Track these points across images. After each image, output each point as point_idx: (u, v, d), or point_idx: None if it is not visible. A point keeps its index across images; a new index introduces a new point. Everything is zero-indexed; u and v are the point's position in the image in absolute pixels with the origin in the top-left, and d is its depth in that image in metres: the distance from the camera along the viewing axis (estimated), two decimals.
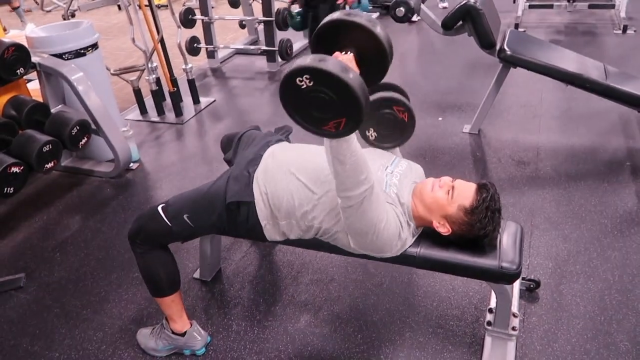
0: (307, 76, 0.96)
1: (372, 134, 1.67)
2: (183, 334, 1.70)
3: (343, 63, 1.00)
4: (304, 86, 0.97)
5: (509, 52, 2.69)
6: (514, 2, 5.13)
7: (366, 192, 1.26)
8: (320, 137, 1.17)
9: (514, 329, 1.61)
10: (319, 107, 1.00)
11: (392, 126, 1.61)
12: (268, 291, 1.99)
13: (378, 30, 1.11)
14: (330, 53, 1.11)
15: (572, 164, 2.66)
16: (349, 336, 1.76)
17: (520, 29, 4.67)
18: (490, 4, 2.88)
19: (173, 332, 1.70)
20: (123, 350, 1.78)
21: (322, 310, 1.88)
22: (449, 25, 2.78)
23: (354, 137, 1.18)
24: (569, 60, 2.85)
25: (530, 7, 5.10)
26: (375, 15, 5.83)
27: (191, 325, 1.72)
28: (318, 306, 1.90)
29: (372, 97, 1.52)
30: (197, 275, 2.08)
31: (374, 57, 1.13)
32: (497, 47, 2.74)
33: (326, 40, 1.12)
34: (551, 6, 5.10)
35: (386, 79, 1.41)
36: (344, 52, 1.17)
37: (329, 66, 0.96)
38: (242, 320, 1.86)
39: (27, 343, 1.84)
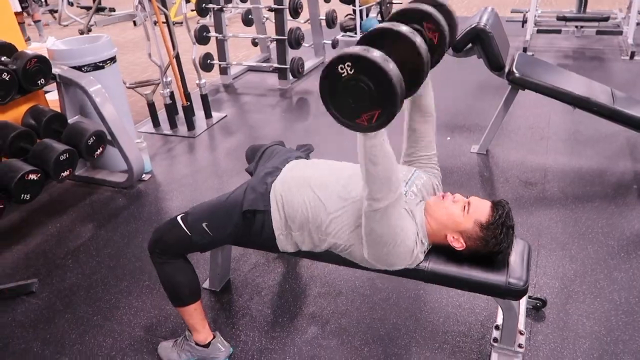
0: (349, 63, 1.00)
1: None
2: (207, 345, 1.71)
3: (385, 55, 1.03)
4: (345, 74, 1.01)
5: (517, 75, 2.74)
6: (523, 26, 5.21)
7: (394, 197, 1.28)
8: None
9: (520, 346, 1.62)
10: (355, 98, 1.03)
11: None
12: (276, 302, 2.02)
13: (418, 41, 1.13)
14: None
15: (579, 186, 2.69)
16: (356, 349, 1.78)
17: (529, 53, 4.73)
18: (500, 28, 2.94)
19: (197, 344, 1.71)
20: (132, 357, 1.80)
21: (330, 323, 1.90)
22: (459, 47, 2.83)
23: (386, 139, 1.20)
24: (576, 83, 2.89)
25: (539, 31, 5.18)
26: None
27: (214, 336, 1.73)
28: (325, 319, 1.91)
29: (402, 6, 1.40)
30: (206, 285, 2.10)
31: (412, 68, 1.15)
32: (506, 70, 2.79)
33: (372, 45, 1.13)
34: (559, 31, 5.17)
35: None
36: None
37: (372, 54, 1.00)
38: (249, 331, 1.88)
39: (38, 347, 1.86)
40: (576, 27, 5.27)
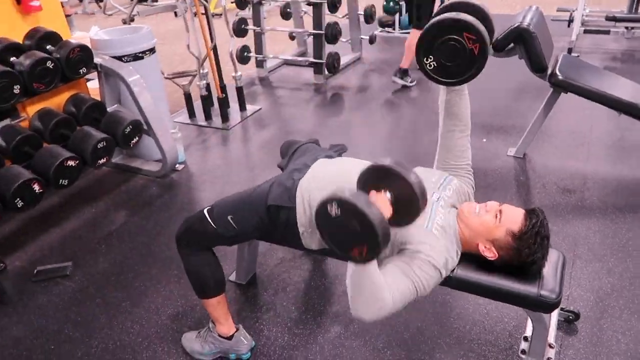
0: (336, 204, 1.10)
1: (431, 62, 1.43)
2: (230, 338, 1.73)
3: (369, 199, 1.12)
4: (333, 213, 1.11)
5: (560, 77, 2.64)
6: (569, 26, 5.02)
7: (385, 308, 1.26)
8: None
9: (549, 359, 1.57)
10: (345, 234, 1.13)
11: (457, 57, 1.37)
12: (301, 299, 2.02)
13: (413, 180, 1.19)
14: (368, 191, 1.25)
15: (621, 196, 2.57)
16: (378, 351, 1.76)
17: (574, 54, 4.55)
18: (544, 27, 2.84)
19: (220, 335, 1.73)
20: (157, 344, 1.84)
21: (353, 323, 1.88)
22: (500, 47, 2.75)
23: (377, 271, 1.24)
24: (623, 88, 2.76)
25: (586, 32, 4.97)
26: None
27: (238, 329, 1.75)
28: (349, 319, 1.90)
29: (440, 17, 1.39)
30: (232, 277, 2.13)
31: (407, 203, 1.22)
32: (549, 72, 2.69)
33: (370, 178, 1.26)
34: (608, 32, 4.95)
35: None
36: (383, 191, 1.25)
37: (354, 199, 1.09)
38: (273, 326, 1.89)
39: (69, 329, 1.93)
40: (626, 28, 5.03)
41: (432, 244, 1.36)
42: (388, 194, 1.24)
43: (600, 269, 2.08)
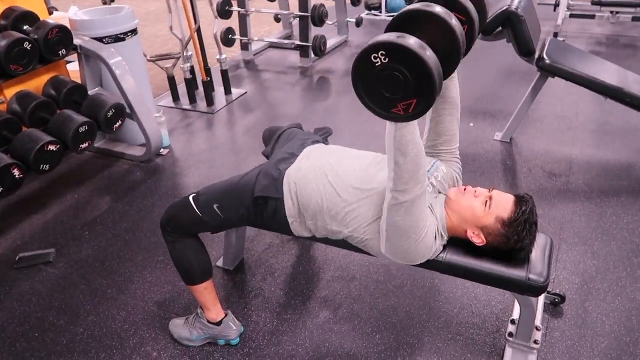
0: (383, 52, 0.95)
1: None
2: (218, 323, 1.71)
3: (420, 41, 0.98)
4: (379, 63, 0.96)
5: (548, 61, 2.63)
6: (554, 10, 5.02)
7: (420, 190, 1.23)
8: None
9: (535, 342, 1.59)
10: (391, 87, 0.99)
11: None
12: (289, 284, 2.01)
13: (454, 23, 1.06)
14: None
15: (605, 179, 2.60)
16: (367, 336, 1.76)
17: (560, 38, 4.56)
18: (532, 11, 2.82)
19: (208, 321, 1.71)
20: (144, 331, 1.81)
21: (342, 307, 1.88)
22: (488, 30, 2.73)
23: (417, 128, 1.16)
24: (609, 72, 2.78)
25: (571, 16, 4.98)
26: None
27: (226, 314, 1.74)
28: (338, 303, 1.90)
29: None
30: (220, 263, 2.10)
31: (446, 52, 1.08)
32: (536, 56, 2.69)
33: (403, 26, 1.08)
34: (593, 16, 4.96)
35: None
36: None
37: (407, 42, 0.94)
38: (261, 312, 1.88)
39: (53, 316, 1.89)
40: (611, 12, 5.05)
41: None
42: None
43: (585, 252, 2.10)
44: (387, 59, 0.96)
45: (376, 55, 0.96)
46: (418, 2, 1.17)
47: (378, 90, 1.02)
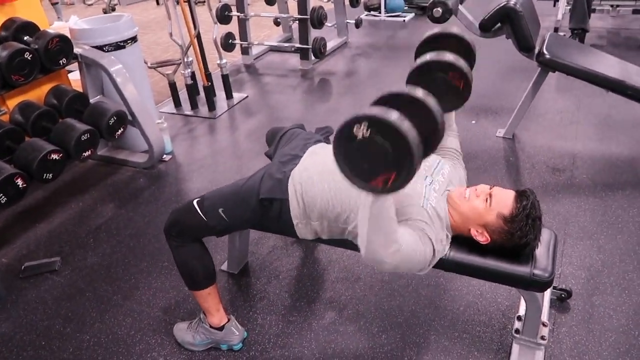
0: (365, 124, 0.98)
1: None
2: (221, 328, 1.71)
3: (402, 116, 1.00)
4: (360, 135, 0.99)
5: (548, 56, 2.62)
6: (554, 5, 5.00)
7: (397, 256, 1.20)
8: None
9: (542, 338, 1.58)
10: (371, 159, 1.01)
11: (444, 92, 1.40)
12: (294, 286, 2.01)
13: (433, 106, 1.12)
14: None
15: (610, 173, 2.58)
16: (373, 336, 1.76)
17: (560, 33, 4.54)
18: (531, 6, 2.82)
19: (211, 326, 1.71)
20: (151, 337, 1.82)
21: (347, 308, 1.88)
22: (487, 27, 2.73)
23: (393, 206, 1.16)
24: (610, 65, 2.76)
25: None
26: (410, 16, 5.79)
27: (229, 320, 1.73)
28: (343, 304, 1.90)
29: (428, 57, 1.40)
30: (224, 267, 2.11)
31: (427, 133, 1.11)
32: (536, 51, 2.68)
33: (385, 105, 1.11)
34: (593, 10, 4.94)
35: None
36: None
37: (389, 115, 0.97)
38: (267, 314, 1.88)
39: (60, 325, 1.90)
40: (611, 6, 5.03)
41: (427, 221, 1.34)
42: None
43: (590, 247, 2.09)
44: (368, 131, 0.99)
45: (358, 127, 0.99)
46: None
47: (358, 162, 1.04)
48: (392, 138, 0.97)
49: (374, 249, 1.18)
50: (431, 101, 1.12)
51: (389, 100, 1.13)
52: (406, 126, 0.97)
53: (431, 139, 1.14)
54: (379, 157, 1.00)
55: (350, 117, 1.00)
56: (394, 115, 0.98)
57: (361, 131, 0.98)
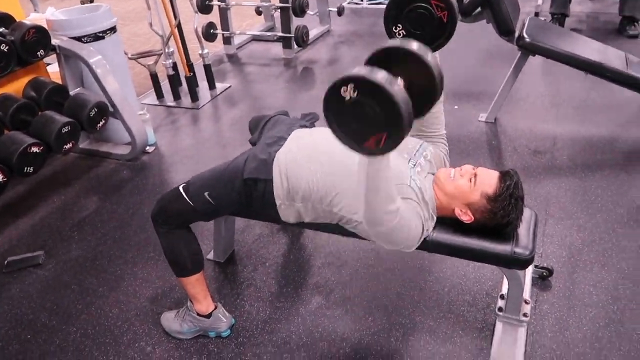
0: (352, 85, 0.96)
1: (399, 31, 1.41)
2: (208, 316, 1.71)
3: (389, 76, 0.98)
4: (348, 97, 0.97)
5: (528, 40, 2.65)
6: None
7: (395, 219, 1.23)
8: None
9: (525, 315, 1.61)
10: (361, 121, 1.00)
11: (426, 25, 1.35)
12: (280, 273, 2.02)
13: (430, 59, 1.08)
14: None
15: (589, 154, 2.63)
16: (360, 319, 1.78)
17: (541, 18, 4.58)
18: None
19: (198, 314, 1.71)
20: (138, 326, 1.82)
21: (334, 292, 1.89)
22: (468, 11, 2.74)
23: (390, 165, 1.15)
24: (589, 48, 2.80)
25: None
26: None
27: (216, 307, 1.74)
28: (330, 289, 1.91)
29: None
30: (210, 256, 2.11)
31: (424, 88, 1.10)
32: (516, 35, 2.70)
33: (380, 62, 1.09)
34: None
35: None
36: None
37: (375, 76, 0.95)
38: (254, 301, 1.89)
39: (45, 318, 1.89)
40: None
41: (416, 200, 1.37)
42: (400, 80, 1.08)
43: (571, 226, 2.13)
44: (356, 93, 0.97)
45: (346, 89, 0.97)
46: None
47: (349, 124, 1.03)
48: (379, 99, 0.95)
49: (373, 208, 1.20)
50: (428, 55, 1.07)
51: (383, 56, 1.10)
52: (394, 87, 0.95)
53: (430, 94, 1.11)
54: (369, 119, 0.98)
55: (338, 78, 0.98)
56: (380, 75, 0.96)
57: (348, 93, 0.97)
